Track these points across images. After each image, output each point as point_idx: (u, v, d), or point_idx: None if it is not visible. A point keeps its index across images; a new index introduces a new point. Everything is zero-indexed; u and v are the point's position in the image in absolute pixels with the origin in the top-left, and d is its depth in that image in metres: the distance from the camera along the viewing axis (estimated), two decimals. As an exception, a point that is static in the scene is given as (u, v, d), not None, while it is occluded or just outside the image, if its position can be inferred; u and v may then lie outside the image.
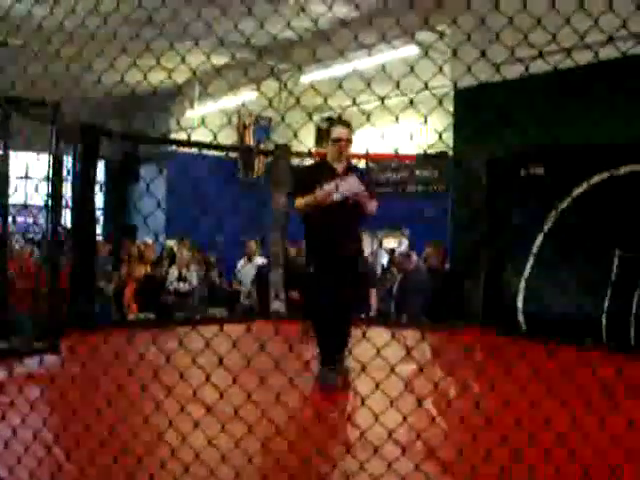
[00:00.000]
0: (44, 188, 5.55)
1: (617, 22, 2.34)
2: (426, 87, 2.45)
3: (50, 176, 5.61)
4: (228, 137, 14.23)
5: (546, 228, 6.88)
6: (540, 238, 6.93)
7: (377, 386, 2.47)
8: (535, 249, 6.94)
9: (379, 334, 4.32)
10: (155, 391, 2.94)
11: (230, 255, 11.14)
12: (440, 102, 2.44)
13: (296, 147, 8.92)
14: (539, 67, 4.26)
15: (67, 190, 6.27)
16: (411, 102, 2.39)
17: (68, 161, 6.57)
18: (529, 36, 2.37)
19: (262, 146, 13.98)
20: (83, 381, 3.80)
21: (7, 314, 5.58)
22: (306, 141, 12.42)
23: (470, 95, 7.73)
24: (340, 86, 2.79)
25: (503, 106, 7.17)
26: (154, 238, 11.26)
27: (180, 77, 13.22)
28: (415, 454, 2.74)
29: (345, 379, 4.39)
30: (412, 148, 11.49)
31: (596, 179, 6.57)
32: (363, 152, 8.28)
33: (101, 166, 15.03)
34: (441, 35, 8.33)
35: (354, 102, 2.87)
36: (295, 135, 3.07)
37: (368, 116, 2.75)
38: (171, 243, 12.32)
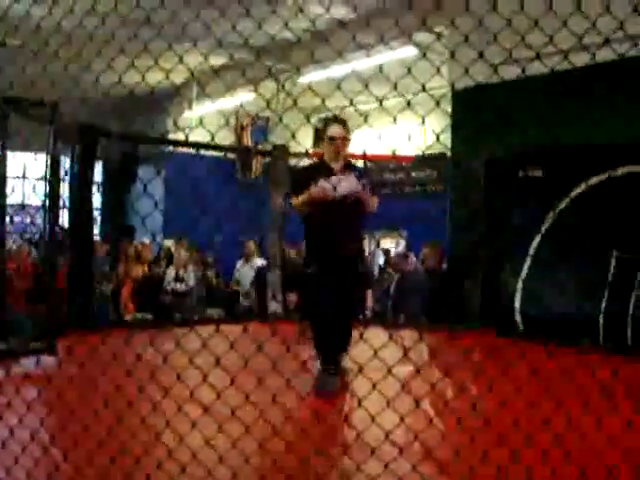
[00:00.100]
0: (42, 188, 5.55)
1: (614, 24, 2.35)
2: (423, 89, 2.46)
3: (48, 176, 5.60)
4: (226, 138, 14.22)
5: (544, 229, 6.89)
6: (538, 239, 6.93)
7: (374, 387, 2.47)
8: (532, 250, 6.95)
9: (376, 335, 4.34)
10: (152, 392, 2.94)
11: (228, 256, 11.15)
12: (438, 103, 2.44)
13: (294, 148, 8.92)
14: (537, 68, 4.27)
15: (65, 190, 6.28)
16: (408, 103, 2.39)
17: (66, 161, 6.58)
18: (527, 37, 2.37)
19: (260, 147, 13.97)
20: (80, 382, 3.79)
21: (4, 314, 5.57)
22: (304, 142, 12.40)
23: (468, 96, 7.73)
24: (338, 87, 2.79)
25: (501, 107, 7.18)
26: (152, 238, 11.25)
27: (178, 78, 13.21)
28: (412, 455, 2.74)
29: (343, 379, 4.38)
30: (410, 149, 11.51)
31: (594, 180, 6.59)
32: (361, 153, 8.27)
33: (99, 166, 15.02)
34: (439, 36, 8.33)
35: (352, 103, 2.87)
36: (293, 136, 3.07)
37: (366, 117, 2.76)
38: (169, 243, 12.32)
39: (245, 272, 10.08)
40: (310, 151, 10.05)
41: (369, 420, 2.52)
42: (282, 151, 8.59)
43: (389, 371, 2.46)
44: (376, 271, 10.79)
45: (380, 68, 2.65)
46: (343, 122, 4.51)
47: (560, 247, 6.61)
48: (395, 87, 2.46)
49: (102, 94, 10.83)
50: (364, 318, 7.94)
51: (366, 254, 5.13)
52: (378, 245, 12.58)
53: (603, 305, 6.31)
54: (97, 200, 15.09)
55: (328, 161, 4.50)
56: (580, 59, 3.35)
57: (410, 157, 11.52)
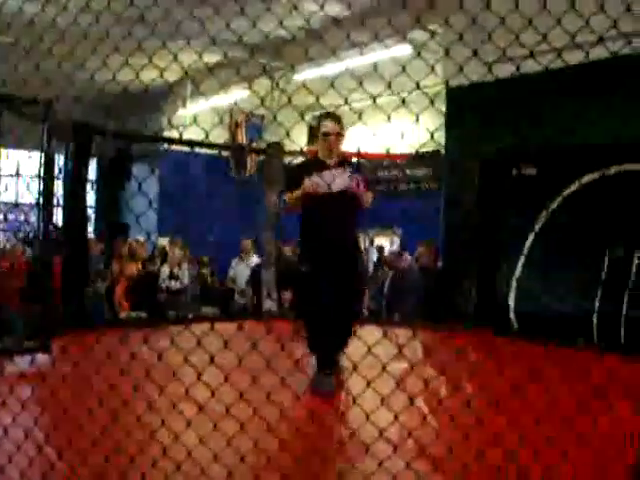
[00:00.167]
0: (36, 186, 5.53)
1: (608, 22, 2.35)
2: (418, 87, 2.46)
3: (42, 174, 5.59)
4: (220, 135, 14.20)
5: (537, 227, 6.91)
6: (531, 237, 6.95)
7: (368, 384, 2.47)
8: (526, 249, 6.97)
9: (371, 332, 4.34)
10: (147, 390, 2.94)
11: (223, 254, 11.13)
12: (432, 101, 2.45)
13: (289, 146, 8.91)
14: (530, 67, 4.27)
15: (59, 188, 6.26)
16: (403, 101, 2.39)
17: (60, 159, 6.56)
18: (521, 36, 2.38)
19: (254, 144, 13.95)
20: (74, 380, 3.78)
21: (-1, 313, 5.56)
22: (299, 140, 12.41)
23: (462, 94, 7.73)
24: (332, 85, 2.79)
25: (495, 105, 7.19)
26: (146, 236, 11.24)
27: (172, 76, 13.20)
28: (406, 452, 2.75)
29: (338, 378, 4.37)
30: (404, 147, 11.50)
31: (587, 179, 6.60)
32: (354, 151, 8.28)
33: (93, 164, 14.98)
34: (433, 34, 8.34)
35: (346, 101, 2.88)
36: (288, 134, 3.07)
37: (360, 115, 2.76)
38: (163, 241, 12.30)
39: (241, 270, 10.08)
40: (305, 149, 10.05)
41: (364, 418, 2.52)
42: (276, 149, 8.58)
43: (383, 369, 2.46)
44: (370, 269, 10.81)
45: (374, 66, 2.65)
46: (337, 118, 4.46)
47: (554, 246, 6.63)
48: (389, 85, 2.46)
49: (97, 91, 10.82)
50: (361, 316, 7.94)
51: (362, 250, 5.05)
52: (372, 243, 12.60)
53: (596, 304, 6.33)
54: (91, 198, 15.07)
55: (322, 157, 4.47)
56: (574, 57, 3.35)
57: (404, 155, 11.52)
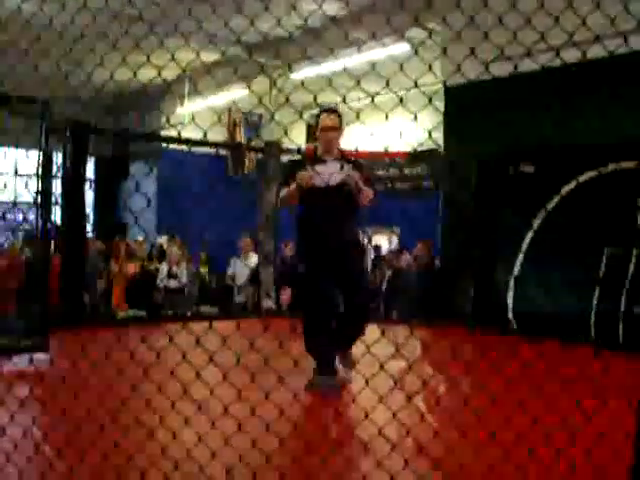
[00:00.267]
0: (34, 185, 5.52)
1: (605, 21, 2.36)
2: (416, 85, 2.46)
3: (40, 173, 5.58)
4: (218, 134, 14.20)
5: (535, 226, 6.91)
6: (529, 236, 6.96)
7: (367, 383, 2.47)
8: (525, 247, 6.98)
9: (369, 331, 4.34)
10: (145, 389, 2.94)
11: (221, 252, 11.13)
12: (430, 100, 2.45)
13: (287, 145, 8.91)
14: (528, 65, 4.27)
15: (57, 187, 6.26)
16: (401, 100, 2.39)
17: (58, 158, 6.56)
18: (518, 34, 2.38)
19: (252, 143, 13.95)
20: (72, 379, 3.78)
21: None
22: (297, 138, 12.41)
23: (460, 93, 7.74)
24: (330, 84, 2.79)
25: (493, 104, 7.19)
26: (144, 235, 11.24)
27: (170, 74, 13.19)
28: (404, 450, 2.75)
29: (348, 373, 4.28)
30: (402, 146, 11.50)
31: (584, 177, 6.61)
32: (353, 150, 8.29)
33: (91, 163, 14.98)
34: (430, 33, 8.33)
35: (344, 100, 2.88)
36: (285, 132, 3.06)
37: (358, 114, 2.76)
38: (161, 240, 12.30)
39: (240, 268, 10.06)
40: (303, 146, 10.05)
41: (362, 416, 2.52)
42: (274, 148, 8.59)
43: (381, 367, 2.46)
44: (368, 267, 10.80)
45: (372, 65, 2.65)
46: (335, 111, 4.33)
47: (552, 244, 6.64)
48: (387, 84, 2.46)
49: (95, 90, 10.82)
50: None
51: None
52: (370, 241, 12.60)
53: (594, 302, 6.34)
54: (89, 197, 15.06)
55: (321, 153, 4.36)
56: (572, 55, 3.35)
57: (402, 153, 11.53)
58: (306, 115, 11.50)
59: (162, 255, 10.48)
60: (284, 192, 4.33)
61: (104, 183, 15.80)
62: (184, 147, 11.39)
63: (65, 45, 3.68)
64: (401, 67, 2.37)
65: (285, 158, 8.74)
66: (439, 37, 8.06)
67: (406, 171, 12.82)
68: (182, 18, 3.13)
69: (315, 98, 2.83)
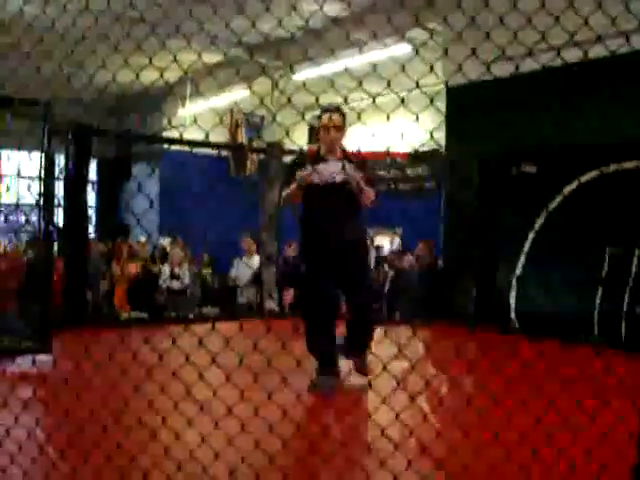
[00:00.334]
0: (36, 187, 5.53)
1: (606, 21, 2.35)
2: (417, 86, 2.46)
3: (42, 175, 5.59)
4: (220, 135, 14.20)
5: (537, 226, 6.91)
6: (531, 236, 6.96)
7: (370, 384, 2.48)
8: (527, 247, 6.97)
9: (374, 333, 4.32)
10: (148, 390, 2.94)
11: (224, 253, 11.12)
12: (431, 101, 2.45)
13: (289, 146, 8.91)
14: (529, 65, 4.27)
15: (59, 189, 6.27)
16: (402, 101, 2.39)
17: (60, 160, 6.57)
18: (519, 34, 2.38)
19: (254, 144, 13.94)
20: (75, 380, 3.79)
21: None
22: (299, 140, 12.41)
23: (462, 93, 7.73)
24: (332, 84, 2.80)
25: (495, 104, 7.19)
26: (147, 237, 11.24)
27: (172, 76, 13.19)
28: (407, 451, 2.75)
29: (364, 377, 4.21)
30: (404, 146, 11.50)
31: (586, 177, 6.60)
32: (355, 151, 8.28)
33: (93, 165, 14.99)
34: (432, 33, 8.33)
35: (345, 101, 2.88)
36: (287, 134, 3.07)
37: (359, 115, 2.76)
38: (164, 242, 12.30)
39: (243, 269, 10.04)
40: (305, 147, 10.04)
41: (365, 416, 2.53)
42: (276, 149, 8.59)
43: (384, 368, 2.47)
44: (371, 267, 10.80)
45: (374, 65, 2.65)
46: (338, 111, 4.29)
47: (554, 244, 6.63)
48: (389, 84, 2.47)
49: (97, 92, 10.83)
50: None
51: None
52: (372, 242, 12.60)
53: (597, 301, 6.34)
54: (92, 199, 15.08)
55: (323, 152, 4.33)
56: (573, 55, 3.35)
57: (404, 153, 11.52)
58: (308, 116, 11.51)
59: (164, 256, 10.48)
60: (286, 191, 4.32)
61: (106, 185, 15.82)
62: (186, 148, 11.41)
63: (67, 47, 3.69)
64: (402, 68, 2.37)
65: (287, 159, 8.75)
66: (440, 37, 8.06)
67: (408, 172, 12.81)
68: (184, 20, 3.13)
69: (317, 99, 2.84)
